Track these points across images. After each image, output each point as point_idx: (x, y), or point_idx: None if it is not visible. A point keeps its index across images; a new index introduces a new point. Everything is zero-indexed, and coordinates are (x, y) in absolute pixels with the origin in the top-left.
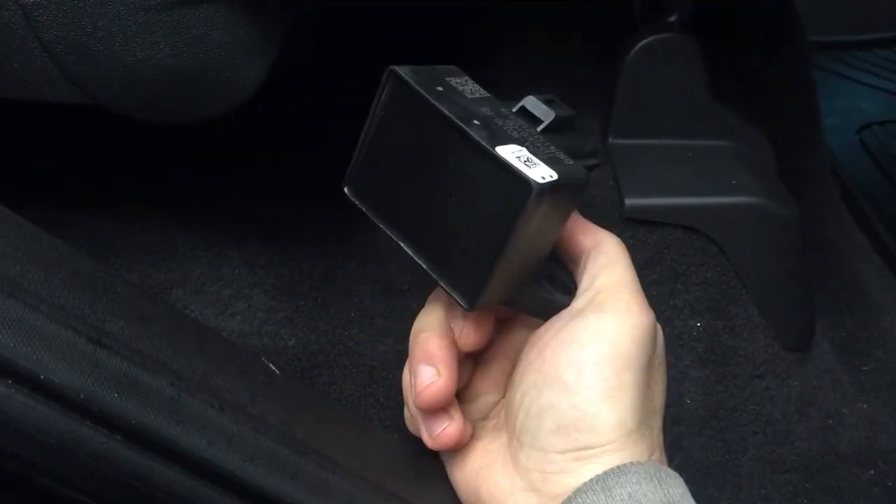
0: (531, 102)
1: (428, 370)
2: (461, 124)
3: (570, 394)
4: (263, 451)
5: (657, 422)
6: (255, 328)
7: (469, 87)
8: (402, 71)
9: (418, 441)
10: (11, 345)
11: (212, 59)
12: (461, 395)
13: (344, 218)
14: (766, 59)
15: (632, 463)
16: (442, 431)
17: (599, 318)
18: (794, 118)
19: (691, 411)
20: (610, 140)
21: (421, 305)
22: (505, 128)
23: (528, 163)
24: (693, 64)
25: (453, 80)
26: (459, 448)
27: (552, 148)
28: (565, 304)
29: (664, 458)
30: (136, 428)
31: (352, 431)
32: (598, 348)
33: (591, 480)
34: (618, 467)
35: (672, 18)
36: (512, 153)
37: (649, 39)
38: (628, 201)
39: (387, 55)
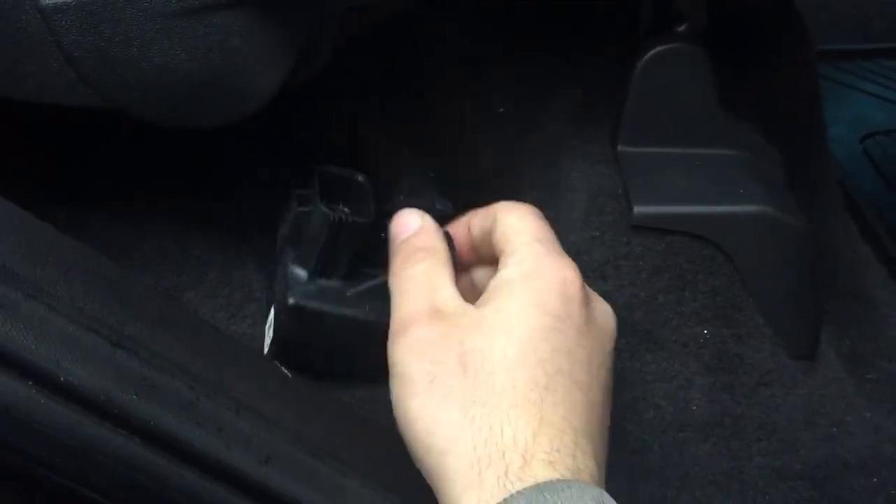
0: None
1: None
2: None
3: None
4: (279, 454)
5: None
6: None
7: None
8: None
9: None
10: (33, 346)
11: (229, 66)
12: None
13: None
14: (774, 69)
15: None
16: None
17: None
18: (800, 128)
19: (697, 419)
20: (620, 148)
21: None
22: None
23: None
24: (702, 74)
25: None
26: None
27: None
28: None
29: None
30: (155, 430)
31: (363, 433)
32: None
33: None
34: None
35: (682, 28)
36: None
37: (659, 49)
38: (637, 209)
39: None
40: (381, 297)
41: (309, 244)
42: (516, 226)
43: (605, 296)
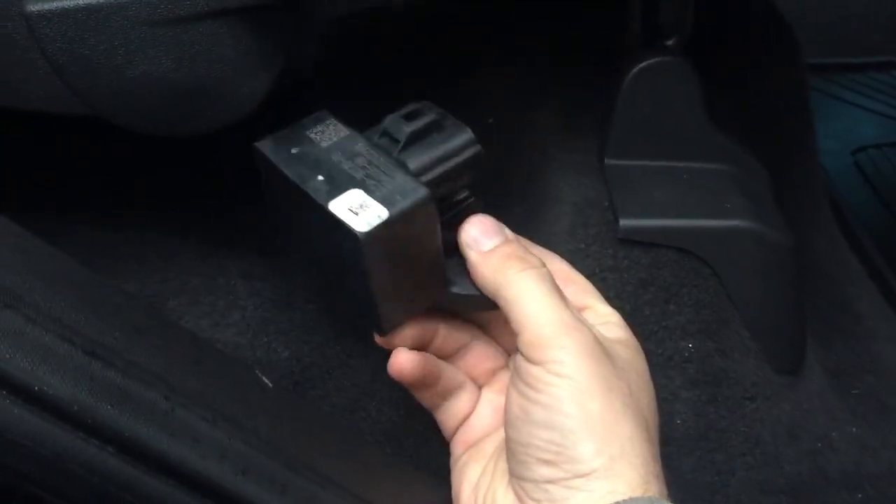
0: (390, 123)
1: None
2: (300, 185)
3: (546, 429)
4: (254, 465)
5: (647, 449)
6: (249, 340)
7: (329, 133)
8: (261, 145)
9: (410, 456)
10: (7, 356)
11: (214, 75)
12: None
13: None
14: (764, 83)
15: (627, 500)
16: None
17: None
18: (790, 141)
19: (681, 432)
20: (606, 161)
21: None
22: (352, 170)
23: (361, 208)
24: (690, 87)
25: (314, 132)
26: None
27: (399, 176)
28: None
29: (663, 490)
30: (129, 440)
31: (343, 446)
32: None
33: None
34: None
35: (670, 42)
36: (345, 203)
37: (647, 62)
38: (623, 222)
39: (386, 69)
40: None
41: None
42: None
43: None
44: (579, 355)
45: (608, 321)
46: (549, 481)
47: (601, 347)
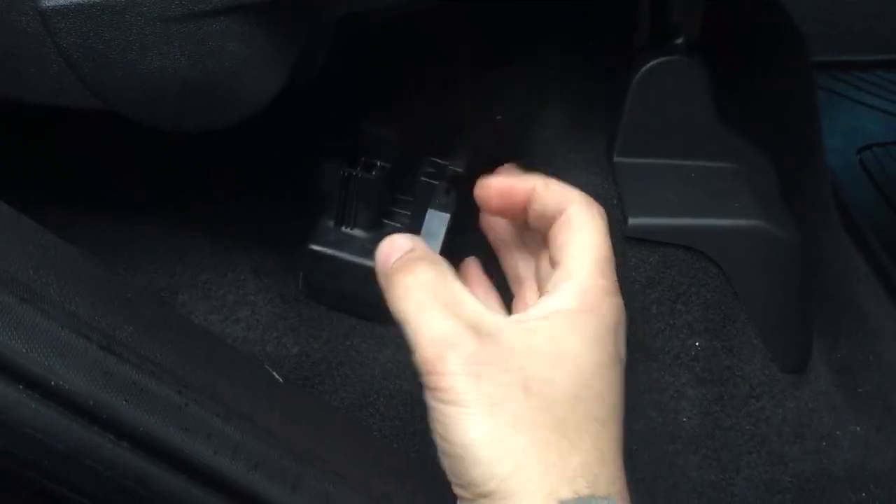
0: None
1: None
2: None
3: (444, 456)
4: (267, 460)
5: (553, 452)
6: (259, 335)
7: None
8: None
9: (418, 451)
10: (24, 350)
11: (226, 71)
12: None
13: None
14: (770, 81)
15: None
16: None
17: None
18: (795, 140)
19: (687, 430)
20: (615, 159)
21: None
22: None
23: None
24: (698, 86)
25: None
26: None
27: None
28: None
29: (592, 483)
30: (144, 435)
31: (353, 441)
32: None
33: None
34: None
35: (679, 41)
36: None
37: (656, 62)
38: (631, 220)
39: (393, 68)
40: None
41: (330, 196)
42: (585, 243)
43: None
44: (460, 377)
45: (556, 287)
46: (465, 499)
47: (485, 352)
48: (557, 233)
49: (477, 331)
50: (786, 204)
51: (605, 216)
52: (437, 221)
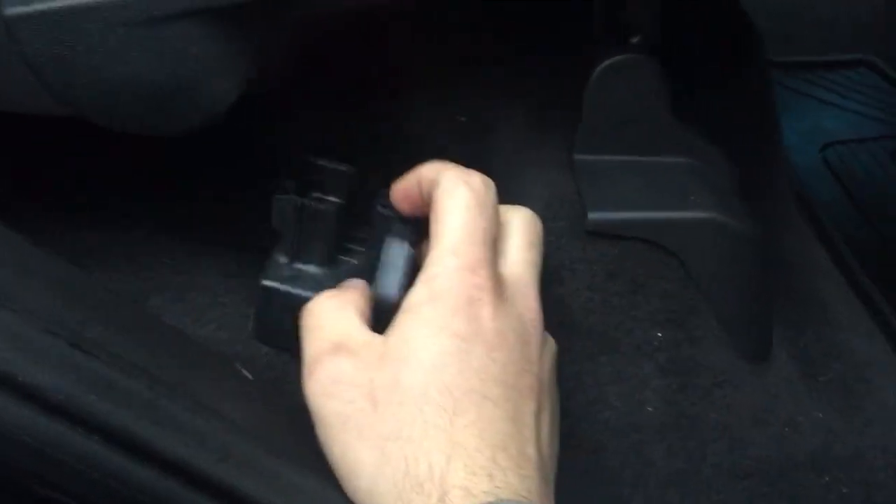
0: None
1: None
2: None
3: None
4: (236, 452)
5: (399, 466)
6: (230, 336)
7: None
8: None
9: None
10: None
11: (188, 74)
12: None
13: None
14: (727, 79)
15: None
16: None
17: None
18: (754, 137)
19: (652, 420)
20: (576, 156)
21: None
22: None
23: None
24: (654, 84)
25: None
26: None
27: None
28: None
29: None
30: (114, 429)
31: None
32: None
33: None
34: None
35: (635, 40)
36: None
37: (611, 60)
38: (591, 215)
39: (355, 70)
40: None
41: (283, 231)
42: (442, 224)
43: (561, 299)
44: (317, 398)
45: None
46: None
47: (338, 371)
48: (431, 214)
49: (337, 350)
50: (744, 197)
51: (476, 187)
52: (396, 252)
